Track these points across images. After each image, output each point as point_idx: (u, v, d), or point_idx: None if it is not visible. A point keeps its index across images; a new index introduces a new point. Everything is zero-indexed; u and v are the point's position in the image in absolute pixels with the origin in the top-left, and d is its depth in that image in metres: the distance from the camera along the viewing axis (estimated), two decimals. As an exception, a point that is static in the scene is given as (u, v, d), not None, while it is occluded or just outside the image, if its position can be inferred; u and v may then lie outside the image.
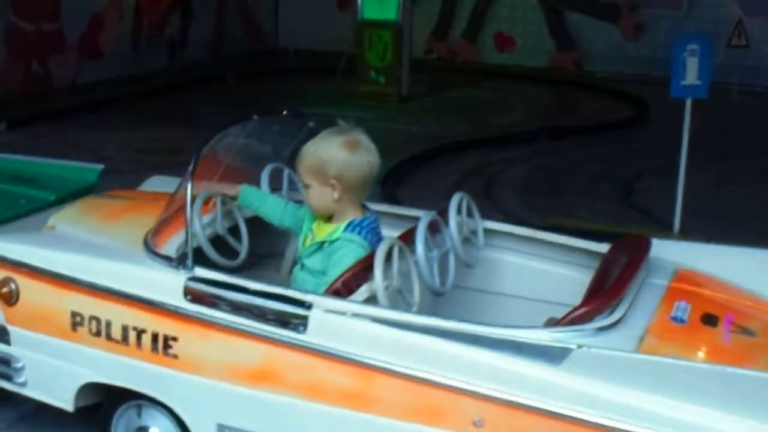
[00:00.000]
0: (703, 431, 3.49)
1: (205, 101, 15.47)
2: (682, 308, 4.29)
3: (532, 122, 14.74)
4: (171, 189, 5.18)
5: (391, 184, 10.22)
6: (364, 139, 4.64)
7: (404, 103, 15.53)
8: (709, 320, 4.23)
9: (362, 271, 4.32)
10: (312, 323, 4.13)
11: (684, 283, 4.59)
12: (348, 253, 4.52)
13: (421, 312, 4.25)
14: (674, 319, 4.21)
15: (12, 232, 5.31)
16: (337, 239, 4.58)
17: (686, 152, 8.85)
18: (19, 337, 4.92)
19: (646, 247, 4.71)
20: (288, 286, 4.58)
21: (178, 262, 4.51)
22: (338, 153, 4.57)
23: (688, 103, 8.72)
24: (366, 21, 15.60)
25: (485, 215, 5.20)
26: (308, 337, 4.13)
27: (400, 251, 4.33)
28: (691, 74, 8.39)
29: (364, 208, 4.72)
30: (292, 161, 5.40)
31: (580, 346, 3.87)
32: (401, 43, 15.45)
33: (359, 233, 4.57)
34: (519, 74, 18.50)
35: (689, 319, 4.22)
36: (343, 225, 4.60)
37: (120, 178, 7.73)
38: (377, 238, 4.58)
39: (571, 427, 3.67)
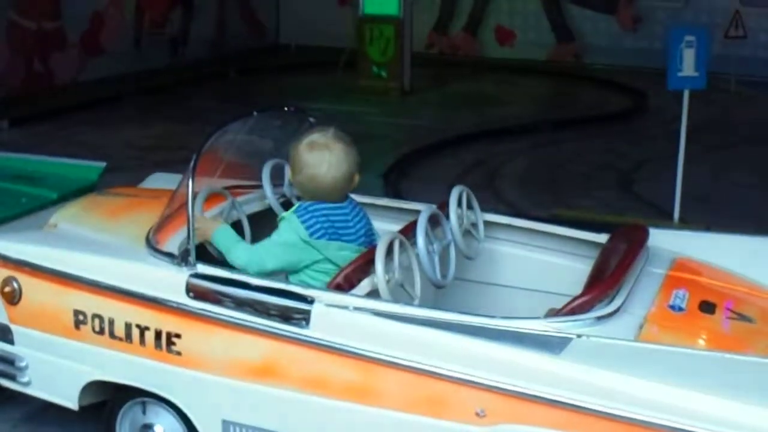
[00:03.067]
0: (703, 417, 3.52)
1: (206, 97, 15.48)
2: (681, 296, 4.32)
3: (532, 114, 14.77)
4: (172, 186, 5.20)
5: (394, 177, 10.26)
6: (322, 139, 4.60)
7: (406, 97, 15.56)
8: (707, 308, 4.27)
9: (364, 265, 4.35)
10: (314, 318, 4.16)
11: (682, 271, 4.63)
12: (278, 231, 4.55)
13: (422, 305, 4.28)
14: (673, 307, 4.25)
15: (14, 230, 5.33)
16: (282, 218, 4.62)
17: (684, 142, 8.87)
18: (23, 336, 4.94)
19: (643, 236, 4.75)
20: (289, 281, 4.62)
21: (181, 259, 4.53)
22: (296, 154, 4.61)
23: (686, 93, 8.74)
24: (367, 16, 15.64)
25: (487, 207, 5.22)
26: (311, 332, 4.16)
27: (401, 245, 4.36)
28: (688, 66, 8.40)
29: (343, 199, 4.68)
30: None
31: (579, 336, 3.91)
32: (402, 37, 15.47)
33: (300, 215, 4.51)
34: (519, 67, 18.50)
35: (688, 307, 4.25)
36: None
37: (122, 175, 7.75)
38: (328, 228, 4.52)
39: (573, 415, 3.70)
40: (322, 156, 4.55)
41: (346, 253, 4.53)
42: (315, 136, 4.60)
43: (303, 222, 4.50)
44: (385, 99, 15.17)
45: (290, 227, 4.51)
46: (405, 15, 15.46)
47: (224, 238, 4.65)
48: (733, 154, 12.19)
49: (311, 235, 4.49)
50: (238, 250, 4.58)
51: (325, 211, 4.56)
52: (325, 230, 4.52)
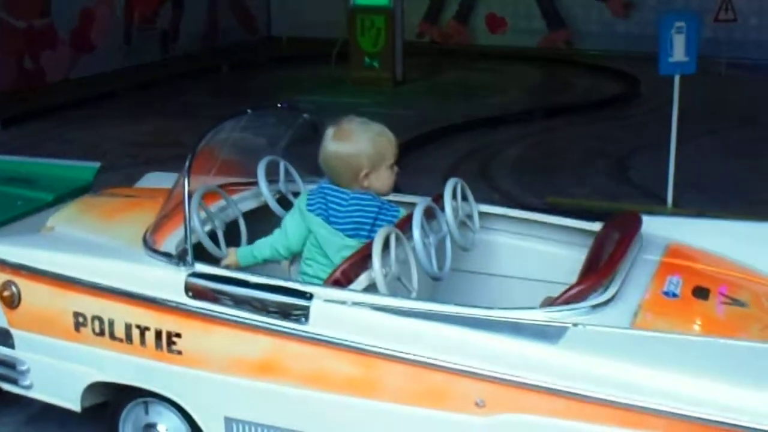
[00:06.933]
0: (698, 402, 3.54)
1: (199, 92, 15.49)
2: (675, 282, 4.35)
3: (525, 102, 14.78)
4: (167, 185, 5.21)
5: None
6: (330, 131, 4.78)
7: (398, 87, 15.60)
8: (701, 293, 4.29)
9: (361, 260, 4.37)
10: (313, 313, 4.17)
11: (675, 257, 4.65)
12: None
13: (420, 297, 4.30)
14: (667, 293, 4.27)
15: (11, 234, 5.34)
16: None
17: (676, 127, 8.91)
18: (23, 340, 4.95)
19: (637, 223, 4.77)
20: (288, 278, 4.63)
21: (178, 258, 4.54)
22: None
23: (677, 79, 8.79)
24: (358, 6, 15.66)
25: (482, 196, 5.24)
26: (310, 328, 4.17)
27: (398, 239, 4.38)
28: (679, 51, 8.47)
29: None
30: (287, 153, 5.46)
31: (576, 324, 3.93)
32: (394, 27, 15.50)
33: (310, 191, 4.78)
34: (511, 55, 18.52)
35: (682, 293, 4.28)
36: None
37: (118, 173, 7.77)
38: (322, 205, 4.65)
39: (571, 403, 3.73)
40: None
41: (323, 232, 4.62)
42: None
43: (308, 195, 4.73)
44: (377, 89, 15.20)
45: (300, 198, 4.77)
46: (396, 5, 15.51)
47: (248, 255, 4.87)
48: (725, 138, 12.23)
49: (308, 206, 4.67)
50: (264, 247, 4.84)
51: (327, 191, 4.69)
52: (319, 206, 4.64)
